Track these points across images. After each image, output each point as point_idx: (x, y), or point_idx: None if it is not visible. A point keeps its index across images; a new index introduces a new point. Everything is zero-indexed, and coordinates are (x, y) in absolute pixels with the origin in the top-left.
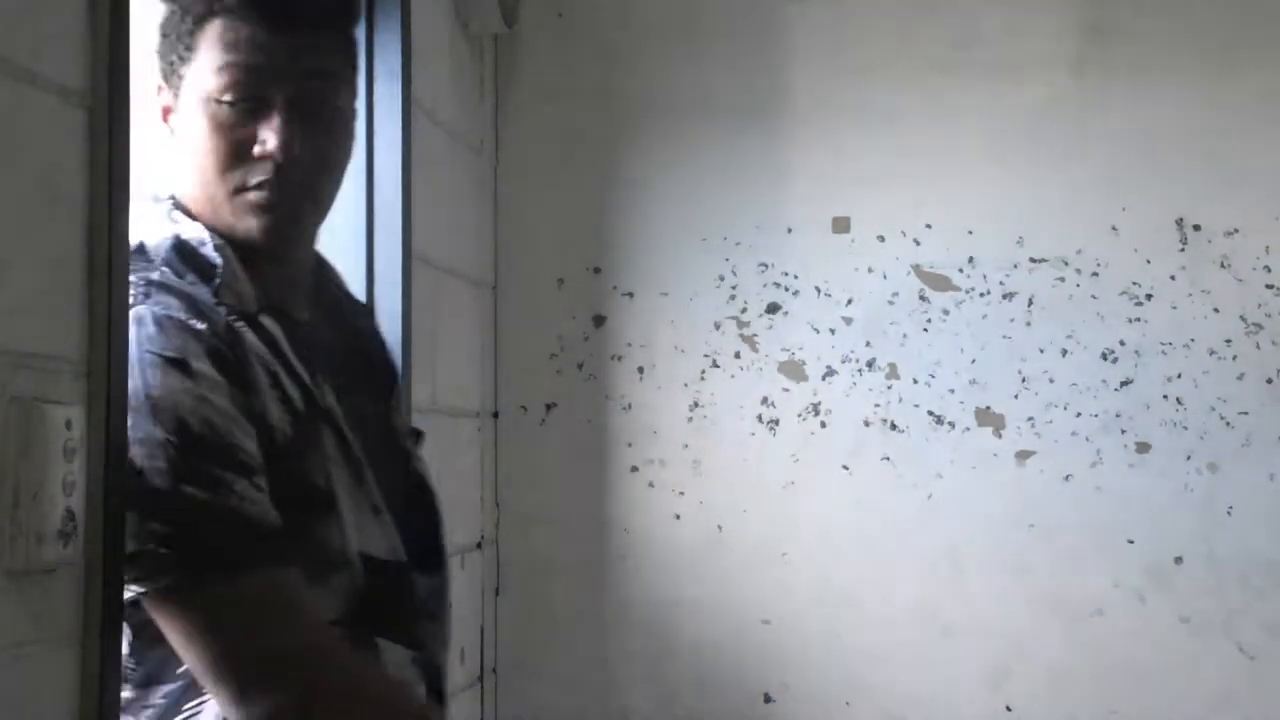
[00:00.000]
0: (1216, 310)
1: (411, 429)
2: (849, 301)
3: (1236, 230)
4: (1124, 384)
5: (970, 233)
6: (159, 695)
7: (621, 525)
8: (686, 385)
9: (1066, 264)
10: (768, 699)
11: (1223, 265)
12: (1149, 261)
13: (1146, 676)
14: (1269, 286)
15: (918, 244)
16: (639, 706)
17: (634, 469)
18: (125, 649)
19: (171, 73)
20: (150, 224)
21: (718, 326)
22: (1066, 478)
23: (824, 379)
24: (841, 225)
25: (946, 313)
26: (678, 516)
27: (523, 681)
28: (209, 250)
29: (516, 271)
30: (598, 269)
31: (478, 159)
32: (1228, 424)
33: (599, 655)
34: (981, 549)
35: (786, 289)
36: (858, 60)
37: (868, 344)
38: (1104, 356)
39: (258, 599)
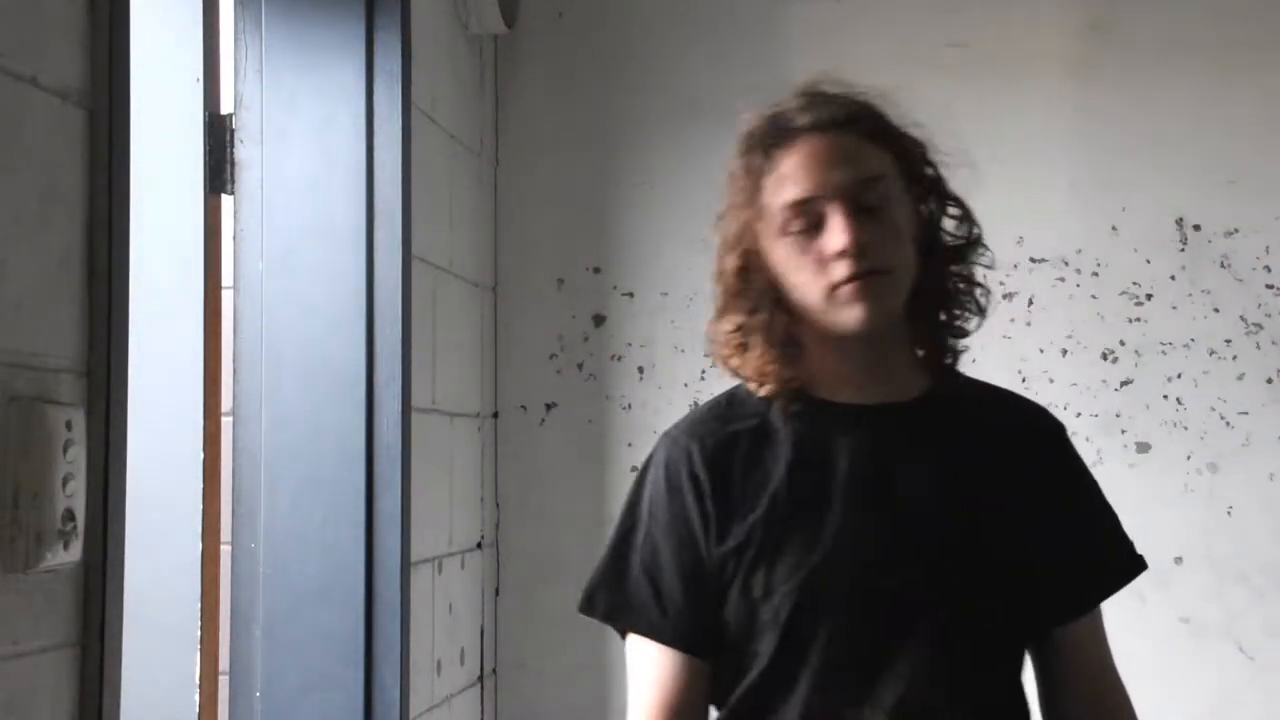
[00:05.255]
0: (1216, 310)
1: None
2: None
3: (1236, 230)
4: (1124, 384)
5: None
6: None
7: None
8: (686, 385)
9: (1066, 264)
10: None
11: (1223, 265)
12: (1149, 261)
13: (1146, 676)
14: (1269, 286)
15: None
16: None
17: (634, 469)
18: None
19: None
20: None
21: None
22: None
23: None
24: None
25: None
26: None
27: (523, 681)
28: None
29: (516, 271)
30: (598, 269)
31: (478, 159)
32: (1228, 424)
33: (599, 655)
34: None
35: None
36: (857, 60)
37: None
38: (1104, 356)
39: None
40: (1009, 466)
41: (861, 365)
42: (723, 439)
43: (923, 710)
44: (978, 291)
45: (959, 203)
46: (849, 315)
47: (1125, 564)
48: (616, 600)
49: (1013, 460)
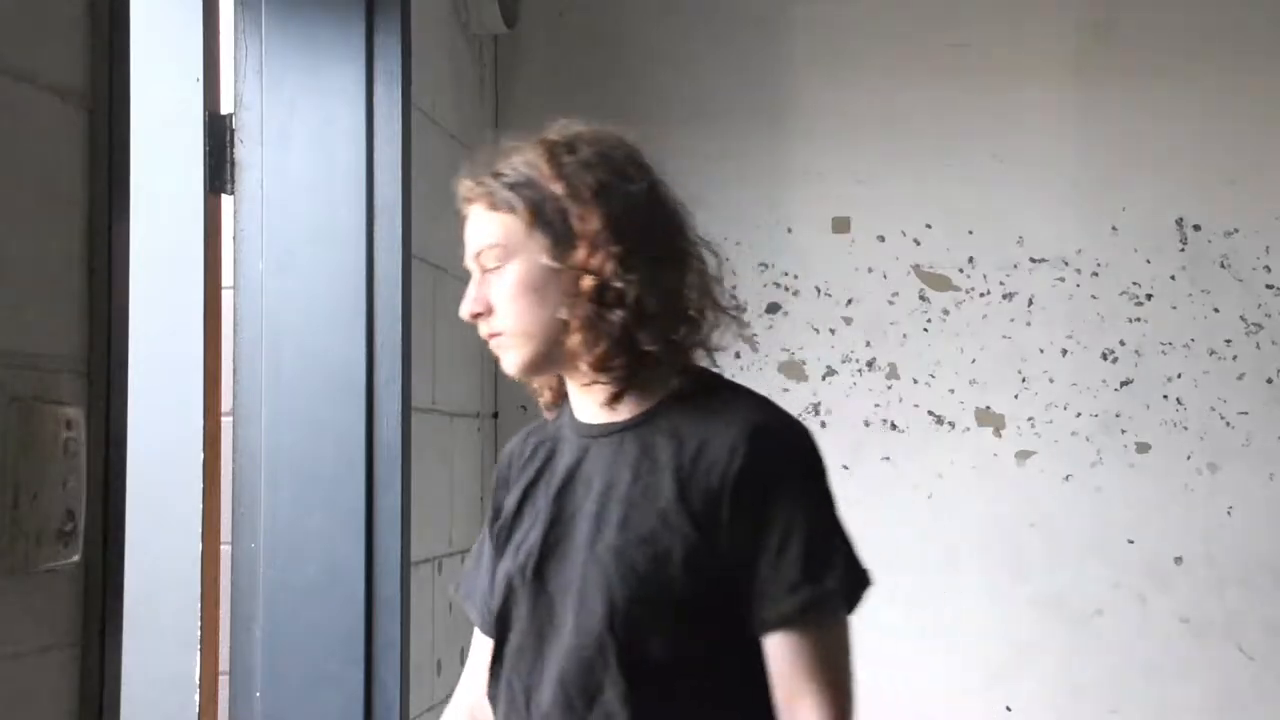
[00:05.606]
0: (1216, 310)
1: None
2: (849, 301)
3: (1236, 230)
4: (1124, 384)
5: (970, 233)
6: None
7: None
8: None
9: (1066, 264)
10: None
11: (1223, 265)
12: (1149, 261)
13: (1146, 676)
14: (1269, 286)
15: (918, 244)
16: None
17: None
18: None
19: None
20: None
21: None
22: (1066, 478)
23: (824, 379)
24: (841, 225)
25: (946, 313)
26: None
27: None
28: None
29: None
30: None
31: None
32: (1228, 424)
33: None
34: (981, 549)
35: (786, 289)
36: (858, 60)
37: (868, 344)
38: (1104, 356)
39: None
40: (677, 485)
41: (585, 389)
42: (516, 451)
43: (563, 715)
44: (666, 306)
45: (607, 239)
46: (503, 366)
47: (802, 599)
48: (465, 589)
49: (684, 478)
